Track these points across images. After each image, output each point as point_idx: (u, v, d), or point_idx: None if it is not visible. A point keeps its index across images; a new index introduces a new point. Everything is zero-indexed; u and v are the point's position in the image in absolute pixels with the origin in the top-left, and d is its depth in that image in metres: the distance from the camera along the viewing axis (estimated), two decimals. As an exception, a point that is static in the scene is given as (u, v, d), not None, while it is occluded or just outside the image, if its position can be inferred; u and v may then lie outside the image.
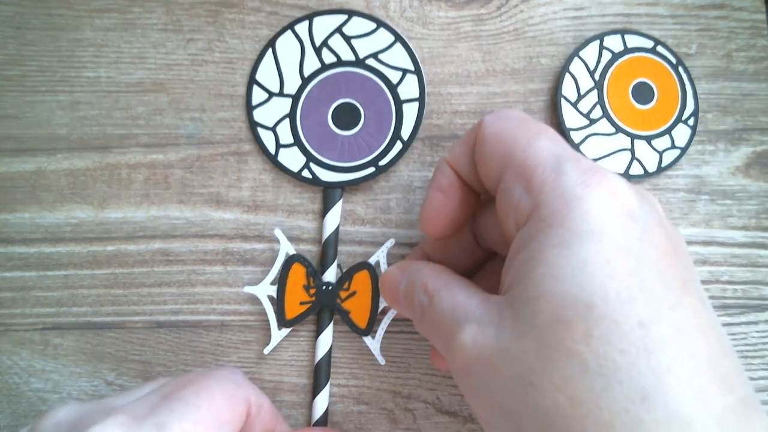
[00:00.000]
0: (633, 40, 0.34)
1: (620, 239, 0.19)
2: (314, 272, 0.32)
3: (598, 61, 0.34)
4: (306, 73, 0.34)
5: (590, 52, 0.34)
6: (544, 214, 0.20)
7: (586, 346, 0.18)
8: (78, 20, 0.36)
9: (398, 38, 0.34)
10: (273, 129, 0.34)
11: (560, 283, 0.18)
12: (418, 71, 0.34)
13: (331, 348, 0.32)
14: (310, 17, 0.35)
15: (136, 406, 0.23)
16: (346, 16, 0.35)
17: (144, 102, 0.35)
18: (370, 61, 0.34)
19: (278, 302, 0.32)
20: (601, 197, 0.19)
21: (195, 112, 0.35)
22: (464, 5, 0.35)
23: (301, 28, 0.35)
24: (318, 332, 0.32)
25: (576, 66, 0.34)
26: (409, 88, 0.34)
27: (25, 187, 0.34)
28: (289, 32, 0.35)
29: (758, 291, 0.33)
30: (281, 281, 0.32)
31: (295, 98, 0.34)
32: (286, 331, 0.32)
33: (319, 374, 0.32)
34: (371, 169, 0.33)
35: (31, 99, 0.35)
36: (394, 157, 0.33)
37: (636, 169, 0.33)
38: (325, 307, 0.32)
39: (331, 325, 0.32)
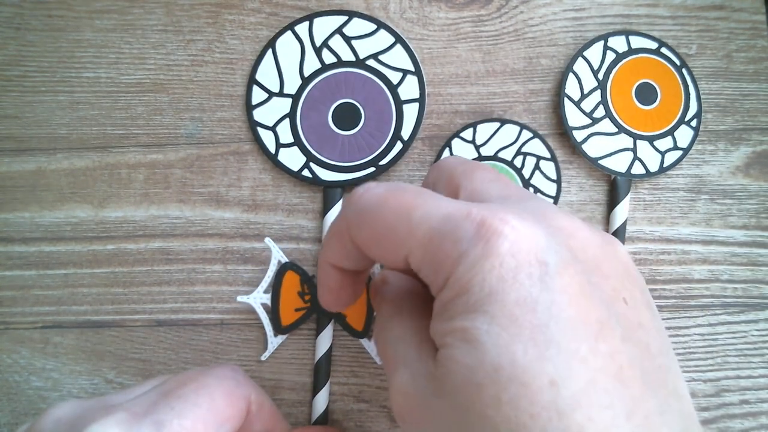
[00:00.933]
0: (637, 41, 0.34)
1: (525, 294, 0.18)
2: (308, 279, 0.32)
3: (602, 61, 0.34)
4: (306, 73, 0.34)
5: (594, 52, 0.34)
6: (452, 283, 0.19)
7: (496, 411, 0.17)
8: (78, 21, 0.36)
9: (398, 39, 0.34)
10: (273, 129, 0.34)
11: (469, 347, 0.18)
12: (418, 72, 0.34)
13: (331, 346, 0.32)
14: (310, 18, 0.35)
15: (135, 403, 0.23)
16: (346, 17, 0.35)
17: (144, 102, 0.35)
18: (371, 62, 0.34)
19: (273, 310, 0.32)
20: (501, 252, 0.18)
21: (195, 112, 0.35)
22: (464, 6, 0.35)
23: (302, 28, 0.35)
24: (318, 331, 0.32)
25: (580, 65, 0.34)
26: (409, 89, 0.34)
27: (25, 187, 0.34)
28: (289, 33, 0.35)
29: (758, 290, 0.33)
30: (275, 289, 0.32)
31: (295, 98, 0.34)
32: (282, 337, 0.32)
33: (320, 372, 0.32)
34: (371, 169, 0.33)
35: (31, 99, 0.35)
36: (395, 157, 0.33)
37: (638, 169, 0.33)
38: (320, 313, 0.32)
39: (330, 324, 0.32)
